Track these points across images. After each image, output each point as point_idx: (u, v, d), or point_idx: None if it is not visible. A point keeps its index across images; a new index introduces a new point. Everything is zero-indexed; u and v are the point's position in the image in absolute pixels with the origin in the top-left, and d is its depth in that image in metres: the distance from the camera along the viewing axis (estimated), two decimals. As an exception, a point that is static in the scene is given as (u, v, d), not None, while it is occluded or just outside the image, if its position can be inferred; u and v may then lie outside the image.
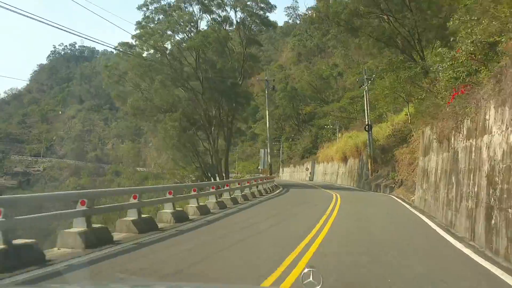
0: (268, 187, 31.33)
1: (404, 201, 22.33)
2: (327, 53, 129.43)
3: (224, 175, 39.55)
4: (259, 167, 44.44)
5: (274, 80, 41.93)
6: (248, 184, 25.89)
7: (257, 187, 27.67)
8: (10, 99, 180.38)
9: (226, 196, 20.89)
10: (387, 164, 33.96)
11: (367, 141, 38.26)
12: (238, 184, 24.29)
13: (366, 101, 38.27)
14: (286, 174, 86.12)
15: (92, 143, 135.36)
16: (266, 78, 44.83)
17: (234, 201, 21.08)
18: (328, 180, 55.75)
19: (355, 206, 20.19)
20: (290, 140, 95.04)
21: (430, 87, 18.83)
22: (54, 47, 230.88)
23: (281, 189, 33.87)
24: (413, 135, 28.81)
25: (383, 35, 32.61)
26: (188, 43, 35.88)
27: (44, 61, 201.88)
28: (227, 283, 6.74)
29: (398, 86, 28.69)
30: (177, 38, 36.14)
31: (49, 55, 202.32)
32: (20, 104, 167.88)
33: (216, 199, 18.63)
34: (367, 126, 38.14)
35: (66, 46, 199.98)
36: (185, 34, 37.03)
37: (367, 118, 38.33)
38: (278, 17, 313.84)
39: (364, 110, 39.86)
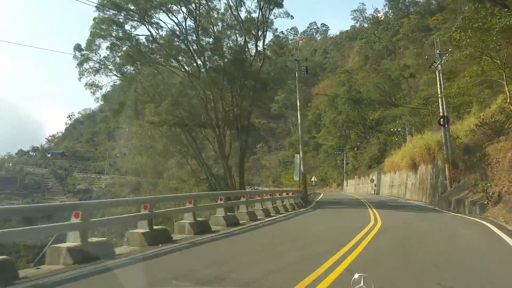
0: (291, 203, 21.68)
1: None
2: (397, 55, 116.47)
3: (239, 188, 29.63)
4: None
5: (306, 59, 30.32)
6: (244, 199, 16.34)
7: (274, 203, 18.37)
8: (84, 119, 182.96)
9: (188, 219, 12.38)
10: (473, 170, 22.49)
11: (443, 139, 26.89)
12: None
13: (440, 82, 26.84)
14: (351, 187, 74.40)
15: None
16: (296, 57, 33.65)
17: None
18: (395, 194, 44.12)
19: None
20: (356, 149, 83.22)
21: None
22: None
23: (311, 206, 24.02)
24: (517, 119, 17.45)
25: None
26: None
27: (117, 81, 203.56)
28: None
29: (490, 41, 17.38)
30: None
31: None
32: (93, 123, 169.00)
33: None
34: (441, 119, 26.81)
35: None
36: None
37: (442, 108, 27.01)
38: (344, 21, 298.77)
39: (437, 110, 28.34)
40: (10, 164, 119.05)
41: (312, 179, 61.63)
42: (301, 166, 29.27)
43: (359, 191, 67.49)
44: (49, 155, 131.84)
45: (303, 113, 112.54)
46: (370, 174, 61.65)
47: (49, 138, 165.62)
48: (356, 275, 2.64)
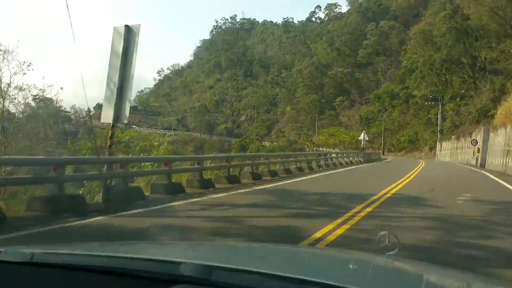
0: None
1: None
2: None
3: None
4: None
5: None
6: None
7: None
8: (173, 74, 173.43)
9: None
10: None
11: None
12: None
13: None
14: (446, 152, 50.11)
15: (225, 115, 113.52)
16: None
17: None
18: (513, 170, 20.97)
19: None
20: (458, 99, 57.43)
21: None
22: (216, 21, 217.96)
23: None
24: None
25: None
26: None
27: (207, 36, 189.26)
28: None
29: None
30: None
31: (211, 30, 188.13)
32: (179, 78, 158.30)
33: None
34: None
35: (227, 19, 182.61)
36: None
37: None
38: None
39: None
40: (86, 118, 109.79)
41: (361, 137, 38.38)
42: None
43: (456, 158, 43.51)
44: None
45: (396, 59, 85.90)
46: (473, 133, 37.51)
47: (137, 93, 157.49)
48: (382, 232, 2.05)
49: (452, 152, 46.48)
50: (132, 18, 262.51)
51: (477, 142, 33.18)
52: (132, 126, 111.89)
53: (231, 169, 14.21)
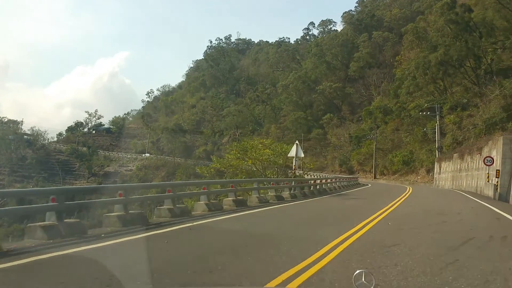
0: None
1: None
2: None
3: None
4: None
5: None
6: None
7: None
8: (162, 96, 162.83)
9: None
10: None
11: None
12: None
13: None
14: (446, 176, 37.72)
15: (205, 136, 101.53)
16: None
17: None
18: None
19: None
20: (460, 109, 45.25)
21: None
22: (210, 41, 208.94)
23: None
24: None
25: None
26: None
27: (201, 57, 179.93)
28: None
29: None
30: None
31: (205, 50, 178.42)
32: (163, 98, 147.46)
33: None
34: None
35: (221, 40, 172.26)
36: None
37: None
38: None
39: None
40: (46, 142, 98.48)
41: (292, 152, 23.63)
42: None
43: (460, 184, 31.28)
44: (93, 132, 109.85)
45: (389, 72, 74.17)
46: (484, 148, 25.32)
47: (123, 115, 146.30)
48: (357, 271, 2.34)
49: (454, 176, 34.13)
50: (128, 42, 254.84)
51: (493, 161, 20.92)
52: (98, 150, 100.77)
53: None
